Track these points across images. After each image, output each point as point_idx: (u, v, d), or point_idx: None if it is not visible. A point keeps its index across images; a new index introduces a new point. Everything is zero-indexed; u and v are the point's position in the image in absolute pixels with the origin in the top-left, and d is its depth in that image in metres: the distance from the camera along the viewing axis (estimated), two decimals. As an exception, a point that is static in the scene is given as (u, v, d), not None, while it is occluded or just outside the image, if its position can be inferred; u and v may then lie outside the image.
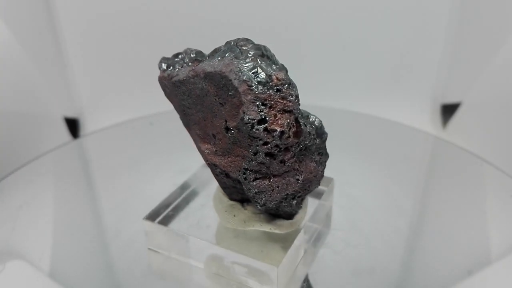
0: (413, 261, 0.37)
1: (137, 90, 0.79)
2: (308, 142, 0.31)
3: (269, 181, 0.31)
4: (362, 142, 0.58)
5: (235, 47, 0.30)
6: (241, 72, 0.28)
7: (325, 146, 0.34)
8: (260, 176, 0.31)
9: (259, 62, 0.29)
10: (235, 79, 0.28)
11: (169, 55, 0.35)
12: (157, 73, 0.34)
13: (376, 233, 0.40)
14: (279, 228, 0.35)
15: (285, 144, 0.29)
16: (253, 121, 0.28)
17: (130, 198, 0.46)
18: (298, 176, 0.32)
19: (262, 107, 0.28)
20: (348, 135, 0.60)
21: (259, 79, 0.28)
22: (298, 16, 0.75)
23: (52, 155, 0.56)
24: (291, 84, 0.29)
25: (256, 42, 0.31)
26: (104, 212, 0.45)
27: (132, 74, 0.78)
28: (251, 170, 0.31)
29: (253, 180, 0.31)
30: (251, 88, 0.28)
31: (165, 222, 0.39)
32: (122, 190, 0.48)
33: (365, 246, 0.38)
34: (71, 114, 0.78)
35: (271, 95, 0.28)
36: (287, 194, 0.32)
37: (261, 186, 0.31)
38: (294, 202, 0.33)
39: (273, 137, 0.29)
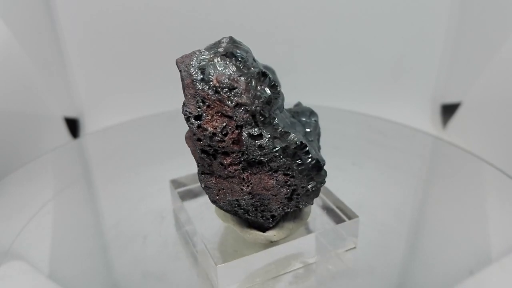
0: (413, 261, 0.37)
1: (137, 90, 0.79)
2: (264, 158, 0.30)
3: (215, 180, 0.31)
4: (361, 142, 0.58)
5: (218, 43, 0.30)
6: (191, 66, 0.28)
7: (311, 171, 0.31)
8: (207, 171, 0.31)
9: (216, 61, 0.28)
10: (183, 71, 0.29)
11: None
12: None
13: (375, 233, 0.40)
14: (246, 235, 0.35)
15: (220, 147, 0.29)
16: (190, 115, 0.29)
17: (129, 198, 0.46)
18: (243, 186, 0.31)
19: (201, 103, 0.29)
20: (348, 135, 0.60)
21: (202, 76, 0.28)
22: (299, 16, 0.75)
23: (52, 155, 0.56)
24: (233, 90, 0.28)
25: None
26: (104, 212, 0.45)
27: (132, 74, 0.78)
28: (199, 163, 0.31)
29: (202, 173, 0.31)
30: (194, 83, 0.28)
31: (184, 195, 0.39)
32: (122, 190, 0.48)
33: (365, 246, 0.38)
34: (71, 114, 0.78)
35: (209, 94, 0.28)
36: (238, 201, 0.31)
37: (207, 182, 0.31)
38: (260, 215, 0.32)
39: (204, 135, 0.29)
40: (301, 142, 0.30)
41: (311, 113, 0.36)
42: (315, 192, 0.33)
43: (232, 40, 0.30)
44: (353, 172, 0.50)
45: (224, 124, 0.29)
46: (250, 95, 0.28)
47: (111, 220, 0.43)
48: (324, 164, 0.32)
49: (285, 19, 0.75)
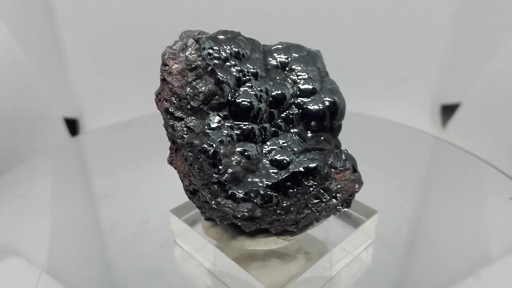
0: (413, 260, 0.37)
1: (137, 90, 0.79)
2: (177, 140, 0.31)
3: None
4: (362, 142, 0.58)
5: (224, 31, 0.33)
6: (178, 39, 0.32)
7: (213, 186, 0.29)
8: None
9: (185, 41, 0.31)
10: (174, 43, 0.32)
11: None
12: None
13: (376, 233, 0.40)
14: (203, 223, 0.36)
15: (158, 107, 0.32)
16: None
17: (128, 197, 0.46)
18: (169, 153, 0.33)
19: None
20: (348, 135, 0.60)
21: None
22: (301, 17, 0.75)
23: (51, 154, 0.56)
24: (165, 66, 0.30)
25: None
26: (103, 211, 0.45)
27: (132, 74, 0.78)
28: None
29: None
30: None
31: None
32: (120, 189, 0.48)
33: (365, 246, 0.38)
34: (71, 115, 0.78)
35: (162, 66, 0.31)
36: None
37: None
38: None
39: None
40: (205, 149, 0.29)
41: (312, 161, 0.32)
42: (223, 215, 0.30)
43: (222, 32, 0.32)
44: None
45: (161, 93, 0.32)
46: (182, 80, 0.30)
47: (110, 218, 0.43)
48: (245, 199, 0.29)
49: (286, 20, 0.75)
